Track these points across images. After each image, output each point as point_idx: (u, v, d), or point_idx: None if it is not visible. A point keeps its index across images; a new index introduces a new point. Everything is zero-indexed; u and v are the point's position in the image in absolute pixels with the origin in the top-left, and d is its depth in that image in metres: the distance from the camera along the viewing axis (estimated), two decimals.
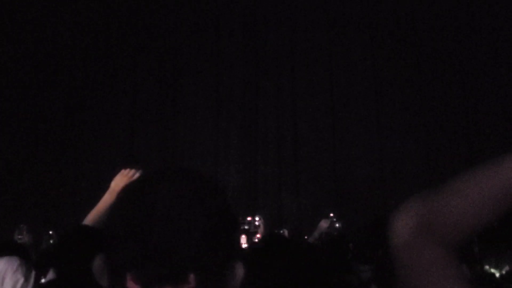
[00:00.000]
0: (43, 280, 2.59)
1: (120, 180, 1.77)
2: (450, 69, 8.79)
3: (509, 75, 8.20)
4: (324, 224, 4.23)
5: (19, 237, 4.93)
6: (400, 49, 9.01)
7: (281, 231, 6.17)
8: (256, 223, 5.21)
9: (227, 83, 9.78)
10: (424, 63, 8.92)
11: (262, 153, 9.41)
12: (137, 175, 1.78)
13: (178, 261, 0.76)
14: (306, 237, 5.23)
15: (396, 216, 0.67)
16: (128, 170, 1.81)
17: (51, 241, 4.77)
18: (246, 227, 5.38)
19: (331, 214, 5.96)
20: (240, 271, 0.80)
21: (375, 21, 9.22)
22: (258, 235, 5.02)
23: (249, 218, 5.27)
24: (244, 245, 5.03)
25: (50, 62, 9.28)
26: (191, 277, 0.76)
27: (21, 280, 2.56)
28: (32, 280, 2.54)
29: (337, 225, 4.69)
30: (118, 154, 8.85)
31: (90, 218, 1.68)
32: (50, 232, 5.18)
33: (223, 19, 9.95)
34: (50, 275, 2.58)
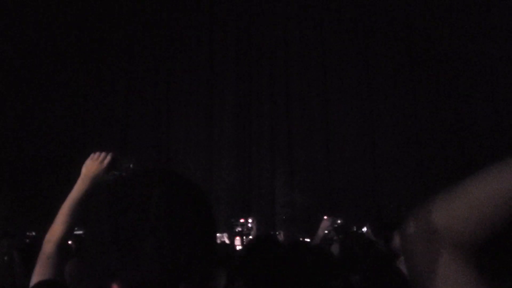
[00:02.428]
0: None
1: (91, 164, 1.68)
2: (442, 70, 8.80)
3: (499, 77, 8.22)
4: (326, 222, 4.18)
5: None
6: (393, 51, 9.02)
7: (277, 233, 6.15)
8: (249, 224, 5.18)
9: (220, 85, 9.75)
10: (417, 64, 8.93)
11: (256, 155, 9.39)
12: (108, 158, 1.70)
13: (169, 270, 0.71)
14: (301, 239, 5.20)
15: (408, 222, 0.68)
16: (98, 153, 1.71)
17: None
18: (239, 228, 5.34)
19: (325, 217, 5.92)
20: (223, 279, 0.76)
21: (369, 21, 9.23)
22: (250, 237, 4.99)
23: (242, 220, 5.25)
24: (239, 247, 5.00)
25: (44, 64, 9.21)
26: (182, 286, 0.72)
27: None
28: None
29: (338, 221, 4.67)
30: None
31: (65, 209, 1.59)
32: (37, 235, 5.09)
33: (217, 17, 9.92)
34: None
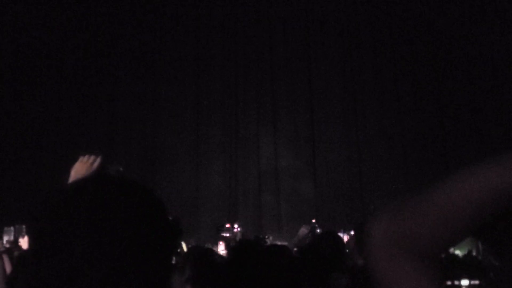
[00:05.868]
0: None
1: (80, 167, 1.65)
2: (426, 76, 8.92)
3: (482, 78, 8.36)
4: (304, 230, 4.17)
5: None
6: (377, 56, 9.12)
7: (266, 237, 6.17)
8: (235, 230, 5.19)
9: (207, 90, 9.73)
10: (400, 70, 9.04)
11: (243, 160, 9.38)
12: (98, 161, 1.69)
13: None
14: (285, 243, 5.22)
15: (371, 226, 0.66)
16: (87, 156, 1.69)
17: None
18: (225, 234, 5.35)
19: (313, 220, 5.96)
20: None
21: (353, 27, 9.33)
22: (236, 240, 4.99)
23: (227, 225, 5.25)
24: (223, 252, 5.00)
25: (35, 66, 9.11)
26: None
27: None
28: None
29: (318, 230, 4.68)
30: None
31: None
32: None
33: (203, 21, 9.92)
34: None
